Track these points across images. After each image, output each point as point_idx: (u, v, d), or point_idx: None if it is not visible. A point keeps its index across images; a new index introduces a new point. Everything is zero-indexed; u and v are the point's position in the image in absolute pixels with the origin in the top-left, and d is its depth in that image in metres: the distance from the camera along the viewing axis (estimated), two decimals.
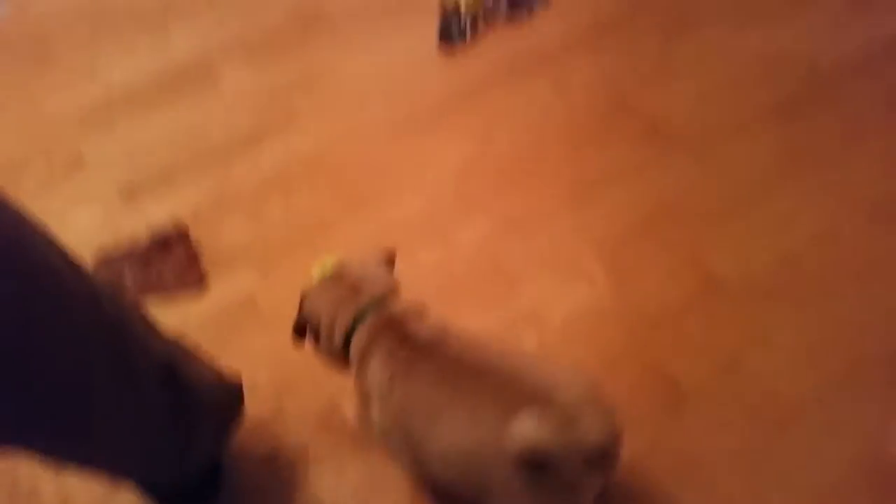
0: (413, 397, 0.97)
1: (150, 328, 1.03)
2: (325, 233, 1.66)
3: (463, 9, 2.18)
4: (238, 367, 1.24)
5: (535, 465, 0.84)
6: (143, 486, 1.13)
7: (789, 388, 1.22)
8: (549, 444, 0.82)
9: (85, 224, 1.80)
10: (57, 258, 0.86)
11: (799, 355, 1.27)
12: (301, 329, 1.13)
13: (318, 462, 1.25)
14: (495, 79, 2.02)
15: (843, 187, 1.54)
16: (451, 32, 2.16)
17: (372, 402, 1.02)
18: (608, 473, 0.90)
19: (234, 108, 2.09)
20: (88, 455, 0.98)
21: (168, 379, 1.02)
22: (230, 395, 1.19)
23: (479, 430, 0.90)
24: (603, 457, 0.86)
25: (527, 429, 0.82)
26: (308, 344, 1.15)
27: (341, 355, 1.08)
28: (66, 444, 0.93)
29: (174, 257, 1.63)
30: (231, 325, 1.50)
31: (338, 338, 1.06)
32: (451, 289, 1.49)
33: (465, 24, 2.17)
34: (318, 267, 1.16)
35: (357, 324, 1.05)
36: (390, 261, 1.17)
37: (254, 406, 1.27)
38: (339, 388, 1.31)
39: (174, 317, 1.53)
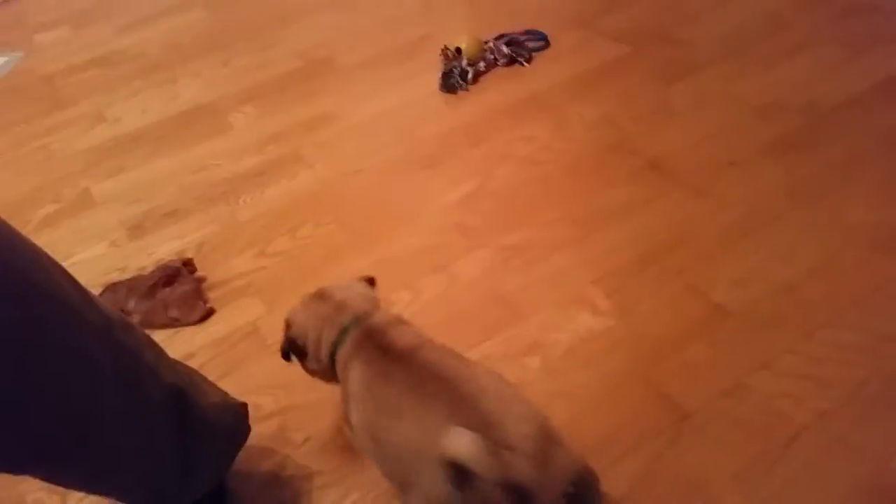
0: (380, 400, 1.01)
1: (158, 354, 1.05)
2: (329, 266, 1.68)
3: (464, 56, 2.25)
4: (242, 394, 1.24)
5: (457, 479, 0.85)
6: None
7: (792, 410, 1.22)
8: (472, 463, 0.82)
9: (92, 259, 1.83)
10: (65, 286, 0.88)
11: (802, 379, 1.27)
12: (287, 351, 1.17)
13: (322, 485, 1.24)
14: (496, 120, 2.08)
15: (842, 217, 1.57)
16: (453, 78, 2.23)
17: (351, 408, 1.06)
18: None
19: (241, 147, 2.14)
20: (96, 478, 0.98)
21: (176, 403, 1.03)
22: (236, 418, 1.19)
23: (423, 436, 0.93)
24: (527, 498, 0.85)
25: (457, 441, 0.83)
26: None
27: (328, 370, 1.12)
28: (75, 468, 0.93)
29: (180, 290, 1.65)
30: (236, 355, 1.51)
31: (325, 352, 1.10)
32: (454, 319, 1.50)
33: (467, 70, 2.23)
34: None
35: (342, 337, 1.09)
36: (370, 284, 1.23)
37: (258, 429, 1.26)
38: (342, 412, 1.31)
39: (179, 347, 1.54)
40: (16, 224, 0.83)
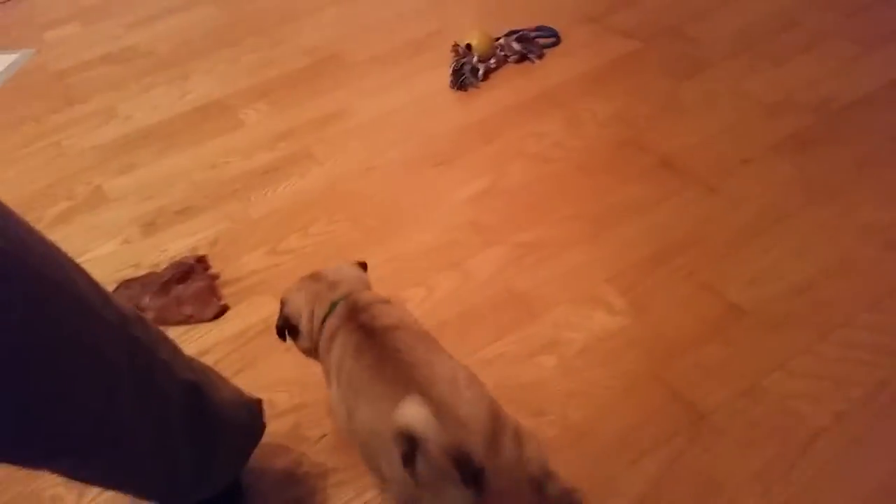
0: (350, 374, 1.04)
1: (174, 350, 1.05)
2: None
3: (475, 52, 2.24)
4: (257, 391, 1.25)
5: (408, 454, 0.87)
6: None
7: (810, 409, 1.22)
8: (421, 429, 0.84)
9: (106, 256, 1.83)
10: (81, 282, 0.88)
11: (819, 379, 1.27)
12: (283, 329, 1.20)
13: (337, 482, 1.25)
14: (508, 117, 2.07)
15: (856, 216, 1.56)
16: (464, 75, 2.23)
17: (331, 380, 1.10)
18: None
19: (252, 144, 2.14)
20: (112, 474, 0.98)
21: (192, 399, 1.04)
22: (251, 415, 1.20)
23: (376, 416, 0.97)
24: (473, 474, 0.86)
25: (407, 409, 0.86)
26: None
27: (318, 346, 1.15)
28: (93, 463, 0.93)
29: (194, 287, 1.65)
30: (250, 351, 1.51)
31: (315, 325, 1.14)
32: (468, 317, 1.50)
33: (477, 67, 2.23)
34: None
35: (331, 311, 1.13)
36: (363, 268, 1.27)
37: (273, 426, 1.27)
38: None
39: (194, 344, 1.54)
40: (29, 221, 0.83)
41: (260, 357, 1.50)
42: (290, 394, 1.40)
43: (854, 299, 1.40)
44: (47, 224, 1.95)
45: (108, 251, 1.85)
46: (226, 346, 1.54)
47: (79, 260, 0.90)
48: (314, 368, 1.19)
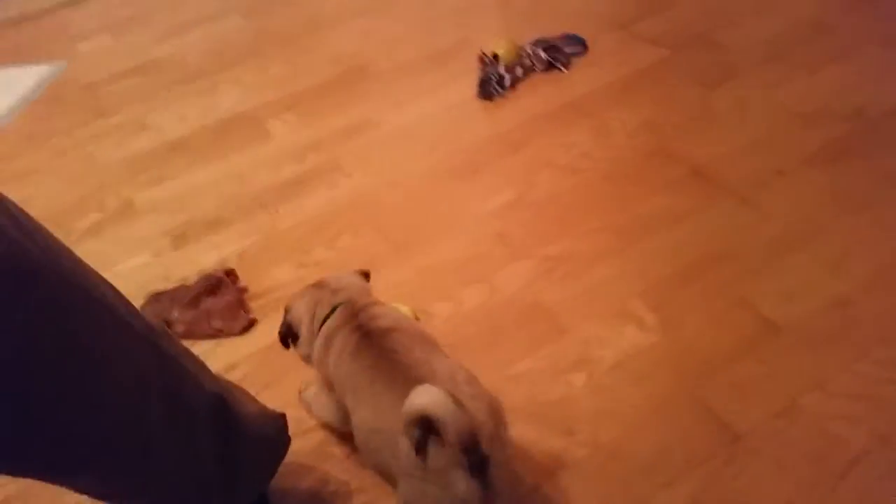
0: (349, 375, 1.08)
1: (200, 365, 1.05)
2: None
3: (501, 62, 2.23)
4: (283, 406, 1.24)
5: (420, 439, 0.89)
6: None
7: (849, 433, 1.19)
8: (439, 411, 0.85)
9: (136, 269, 1.84)
10: (110, 294, 0.88)
11: (858, 399, 1.23)
12: (285, 336, 1.23)
13: (362, 497, 1.24)
14: (535, 127, 2.06)
15: (893, 228, 1.52)
16: (491, 85, 2.21)
17: (324, 382, 1.14)
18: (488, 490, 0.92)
19: (280, 156, 2.15)
20: (138, 490, 0.98)
21: (218, 414, 1.04)
22: (277, 429, 1.20)
23: (380, 413, 1.00)
24: (480, 460, 0.88)
25: (423, 394, 0.88)
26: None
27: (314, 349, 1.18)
28: (117, 479, 0.93)
29: (223, 299, 1.66)
30: (278, 366, 1.51)
31: (316, 327, 1.17)
32: (496, 332, 1.49)
33: (504, 76, 2.22)
34: None
35: (332, 314, 1.17)
36: (366, 276, 1.29)
37: (298, 444, 1.26)
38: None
39: (222, 357, 1.55)
40: (60, 234, 0.84)
41: (288, 372, 1.49)
42: None
43: (893, 315, 1.36)
44: (78, 237, 1.97)
45: (138, 263, 1.86)
46: (253, 360, 1.54)
47: (109, 272, 0.91)
48: None
